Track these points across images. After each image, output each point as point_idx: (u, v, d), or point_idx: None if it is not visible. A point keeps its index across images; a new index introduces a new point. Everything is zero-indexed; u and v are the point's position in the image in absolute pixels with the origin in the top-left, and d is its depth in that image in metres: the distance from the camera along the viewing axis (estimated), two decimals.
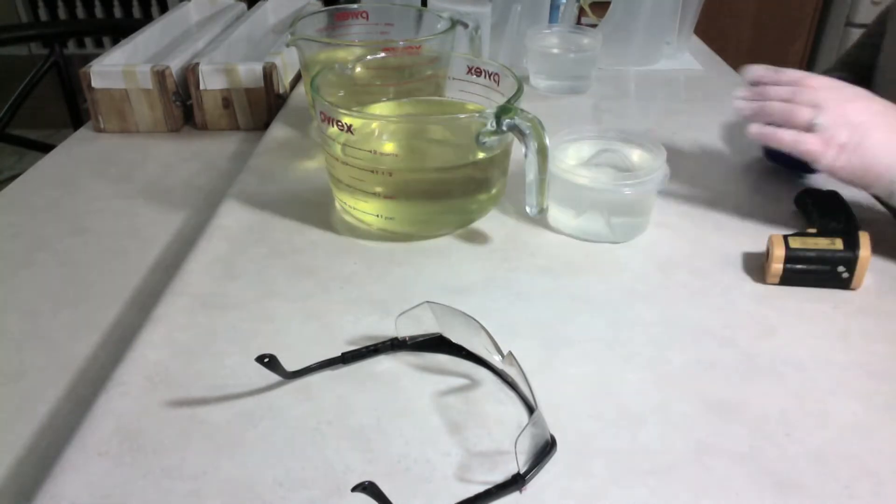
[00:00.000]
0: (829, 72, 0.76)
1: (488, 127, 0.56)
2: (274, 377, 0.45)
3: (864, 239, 0.55)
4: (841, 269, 0.55)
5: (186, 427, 0.43)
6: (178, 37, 1.07)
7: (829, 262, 0.55)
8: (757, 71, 0.54)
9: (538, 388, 0.44)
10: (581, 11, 1.14)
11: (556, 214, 0.59)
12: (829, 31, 2.22)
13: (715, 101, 0.93)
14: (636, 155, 0.64)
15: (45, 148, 1.14)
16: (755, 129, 0.54)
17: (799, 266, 0.55)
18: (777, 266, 0.55)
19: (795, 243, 0.55)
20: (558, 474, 0.40)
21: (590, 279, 0.57)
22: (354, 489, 0.34)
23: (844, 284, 0.56)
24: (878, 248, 0.55)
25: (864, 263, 0.55)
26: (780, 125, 0.55)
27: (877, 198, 0.61)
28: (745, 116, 0.55)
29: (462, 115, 0.67)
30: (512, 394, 0.46)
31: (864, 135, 0.51)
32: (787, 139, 0.53)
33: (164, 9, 2.50)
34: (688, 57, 1.12)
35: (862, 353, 0.50)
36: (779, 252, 0.55)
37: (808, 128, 0.53)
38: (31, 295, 0.59)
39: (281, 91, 0.89)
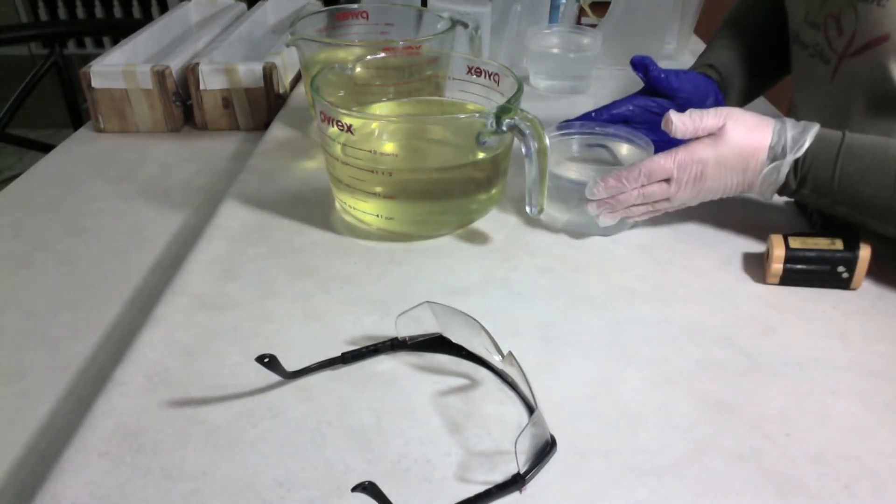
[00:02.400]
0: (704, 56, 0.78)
1: (488, 127, 0.56)
2: (274, 377, 0.45)
3: (864, 239, 0.55)
4: (841, 269, 0.55)
5: (186, 427, 0.43)
6: (178, 37, 1.07)
7: (829, 262, 0.55)
8: (601, 191, 0.58)
9: (538, 388, 0.44)
10: (581, 11, 1.14)
11: (548, 209, 0.59)
12: None
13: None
14: (624, 149, 0.65)
15: (45, 148, 1.14)
16: (631, 221, 0.61)
17: (799, 266, 0.55)
18: (777, 266, 0.55)
19: (795, 243, 0.55)
20: (558, 474, 0.40)
21: (590, 279, 0.57)
22: (354, 489, 0.34)
23: (844, 284, 0.56)
24: (878, 248, 0.55)
25: (864, 263, 0.55)
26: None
27: None
28: (612, 223, 0.60)
29: (462, 115, 0.67)
30: (512, 394, 0.46)
31: (710, 194, 0.58)
32: (650, 216, 0.61)
33: (164, 9, 2.50)
34: (688, 57, 1.12)
35: (862, 353, 0.50)
36: (779, 252, 0.55)
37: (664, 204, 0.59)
38: (31, 295, 0.59)
39: (281, 91, 0.89)
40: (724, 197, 0.58)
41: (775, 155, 0.55)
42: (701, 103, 0.70)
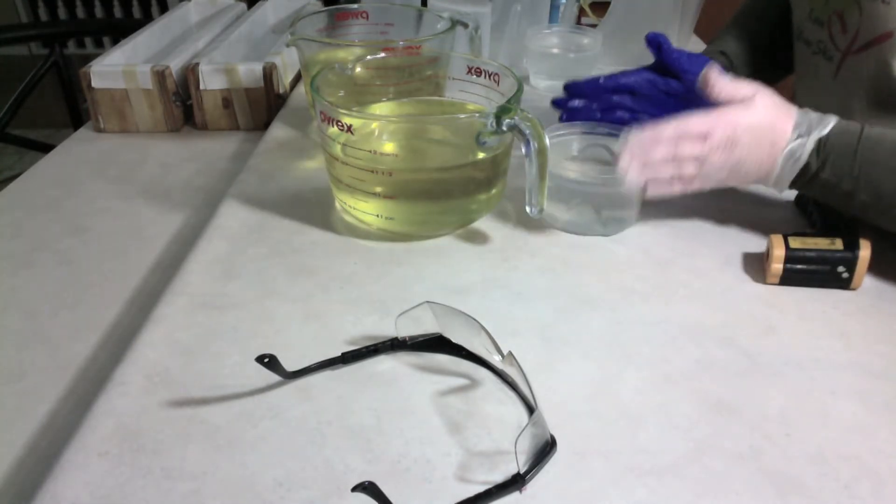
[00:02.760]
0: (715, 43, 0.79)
1: (488, 127, 0.56)
2: (274, 377, 0.45)
3: (864, 239, 0.55)
4: (841, 269, 0.55)
5: (186, 427, 0.43)
6: (178, 37, 1.07)
7: (829, 262, 0.55)
8: (636, 140, 0.56)
9: (538, 388, 0.44)
10: (581, 11, 1.14)
11: (548, 209, 0.59)
12: None
13: None
14: None
15: (45, 148, 1.14)
16: (652, 190, 0.58)
17: (799, 266, 0.55)
18: (777, 266, 0.55)
19: (795, 243, 0.55)
20: (558, 474, 0.40)
21: (590, 279, 0.57)
22: (354, 489, 0.34)
23: (844, 284, 0.56)
24: (878, 249, 0.55)
25: (864, 263, 0.55)
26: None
27: None
28: (638, 185, 0.58)
29: (462, 115, 0.67)
30: (512, 394, 0.46)
31: (739, 170, 0.56)
32: (678, 191, 0.58)
33: (164, 9, 2.50)
34: None
35: (862, 353, 0.50)
36: (779, 252, 0.55)
37: (691, 176, 0.57)
38: (31, 295, 0.59)
39: (281, 91, 0.89)
40: (746, 182, 0.58)
41: (800, 132, 0.55)
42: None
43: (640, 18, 1.03)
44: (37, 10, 2.60)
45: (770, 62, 0.77)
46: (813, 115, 0.56)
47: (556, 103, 0.75)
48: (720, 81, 0.57)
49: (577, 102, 0.73)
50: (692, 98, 0.60)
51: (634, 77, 0.70)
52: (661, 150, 0.56)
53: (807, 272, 0.56)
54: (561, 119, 0.74)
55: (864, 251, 0.55)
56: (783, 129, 0.55)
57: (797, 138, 0.55)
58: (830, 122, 0.55)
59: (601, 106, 0.72)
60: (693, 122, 0.55)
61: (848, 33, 0.60)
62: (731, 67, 0.73)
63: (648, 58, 0.71)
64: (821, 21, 0.63)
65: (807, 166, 0.55)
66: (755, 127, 0.55)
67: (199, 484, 0.39)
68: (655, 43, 0.69)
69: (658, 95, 0.69)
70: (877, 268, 0.57)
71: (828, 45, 0.62)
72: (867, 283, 0.56)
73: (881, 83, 0.58)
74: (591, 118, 0.72)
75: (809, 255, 0.55)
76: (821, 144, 0.54)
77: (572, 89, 0.72)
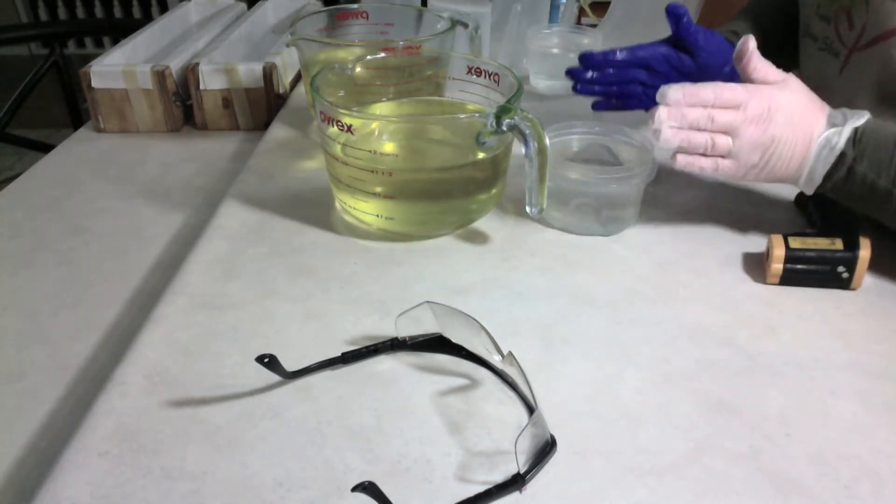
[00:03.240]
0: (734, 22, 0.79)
1: (488, 127, 0.56)
2: (274, 377, 0.45)
3: (864, 239, 0.55)
4: (841, 269, 0.55)
5: (186, 427, 0.43)
6: (178, 37, 1.07)
7: (829, 262, 0.55)
8: (676, 94, 0.54)
9: (538, 388, 0.44)
10: (581, 11, 1.15)
11: (548, 209, 0.60)
12: None
13: None
14: (623, 149, 0.65)
15: (45, 148, 1.14)
16: (682, 159, 0.56)
17: (799, 266, 0.55)
18: (777, 266, 0.55)
19: (795, 243, 0.55)
20: (558, 474, 0.40)
21: (590, 279, 0.57)
22: (354, 489, 0.34)
23: (844, 284, 0.56)
24: (879, 249, 0.55)
25: (864, 263, 0.55)
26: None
27: None
28: (670, 145, 0.56)
29: (462, 115, 0.67)
30: (512, 394, 0.46)
31: (773, 152, 0.54)
32: (708, 167, 0.56)
33: (164, 9, 2.50)
34: None
35: (862, 353, 0.50)
36: (779, 252, 0.55)
37: (726, 155, 0.56)
38: (31, 295, 0.59)
39: (281, 91, 0.89)
40: (776, 176, 0.55)
41: (835, 122, 0.54)
42: (720, 67, 0.70)
43: (640, 18, 1.03)
44: (37, 10, 2.60)
45: (779, 54, 0.76)
46: (845, 109, 0.54)
47: (571, 73, 0.74)
48: (755, 57, 0.55)
49: (592, 73, 0.72)
50: (705, 78, 0.59)
51: (650, 51, 0.70)
52: (696, 111, 0.54)
53: (807, 272, 0.55)
54: (575, 89, 0.73)
55: (865, 251, 0.54)
56: (817, 117, 0.54)
57: (832, 127, 0.53)
58: (865, 115, 0.53)
59: (616, 78, 0.72)
60: (730, 87, 0.53)
61: (854, 29, 0.59)
62: None
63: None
64: (827, 17, 0.62)
65: (842, 157, 0.53)
66: (790, 109, 0.53)
67: (199, 484, 0.39)
68: (675, 15, 0.68)
69: (671, 73, 0.69)
70: (877, 268, 0.57)
71: (834, 42, 0.62)
72: (867, 283, 0.56)
73: (887, 80, 0.57)
74: (607, 91, 0.71)
75: (809, 256, 0.55)
76: (857, 134, 0.53)
77: (588, 60, 0.71)
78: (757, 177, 0.56)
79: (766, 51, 0.75)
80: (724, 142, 0.54)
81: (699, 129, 0.54)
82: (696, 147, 0.55)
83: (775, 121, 0.53)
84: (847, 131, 0.53)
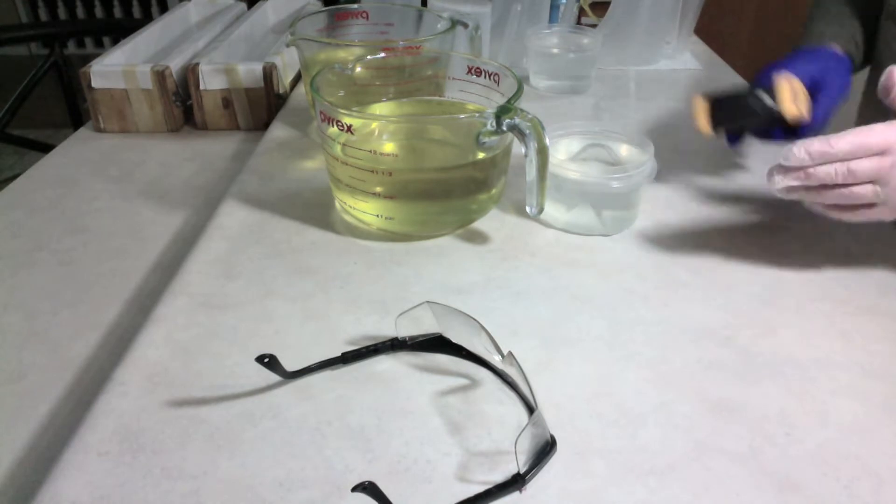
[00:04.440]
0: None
1: (488, 127, 0.56)
2: (274, 377, 0.45)
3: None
4: (760, 93, 0.57)
5: (186, 427, 0.43)
6: (178, 37, 1.07)
7: (748, 93, 0.58)
8: (801, 155, 0.47)
9: (538, 388, 0.44)
10: (581, 11, 1.14)
11: (548, 209, 0.60)
12: None
13: None
14: (624, 149, 0.66)
15: (45, 148, 1.14)
16: (817, 210, 0.51)
17: (722, 98, 0.60)
18: (701, 103, 0.60)
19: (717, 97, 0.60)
20: (558, 474, 0.40)
21: (590, 279, 0.57)
22: (354, 489, 0.34)
23: (773, 113, 0.56)
24: (878, 249, 0.55)
25: (785, 88, 0.55)
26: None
27: None
28: (793, 195, 0.50)
29: (462, 115, 0.67)
30: (512, 394, 0.46)
31: None
32: (852, 219, 0.51)
33: (164, 9, 2.51)
34: (688, 57, 1.12)
35: (862, 353, 0.50)
36: (702, 103, 0.61)
37: (873, 203, 0.50)
38: (31, 295, 0.59)
39: (281, 91, 0.89)
40: None
41: None
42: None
43: (640, 18, 1.03)
44: (37, 10, 2.60)
45: (862, 49, 0.72)
46: None
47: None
48: None
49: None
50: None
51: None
52: (826, 169, 0.47)
53: (731, 106, 0.58)
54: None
55: (780, 78, 0.56)
56: None
57: None
58: None
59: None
60: (873, 131, 0.47)
61: None
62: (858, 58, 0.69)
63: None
64: None
65: None
66: None
67: (199, 484, 0.39)
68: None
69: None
70: (877, 268, 0.57)
71: None
72: (868, 283, 0.56)
73: None
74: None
75: (729, 94, 0.58)
76: None
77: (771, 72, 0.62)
78: None
79: (861, 44, 0.71)
80: (866, 192, 0.48)
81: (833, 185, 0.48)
82: (830, 201, 0.49)
83: None
84: None
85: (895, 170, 0.47)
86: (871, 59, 0.73)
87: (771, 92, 0.59)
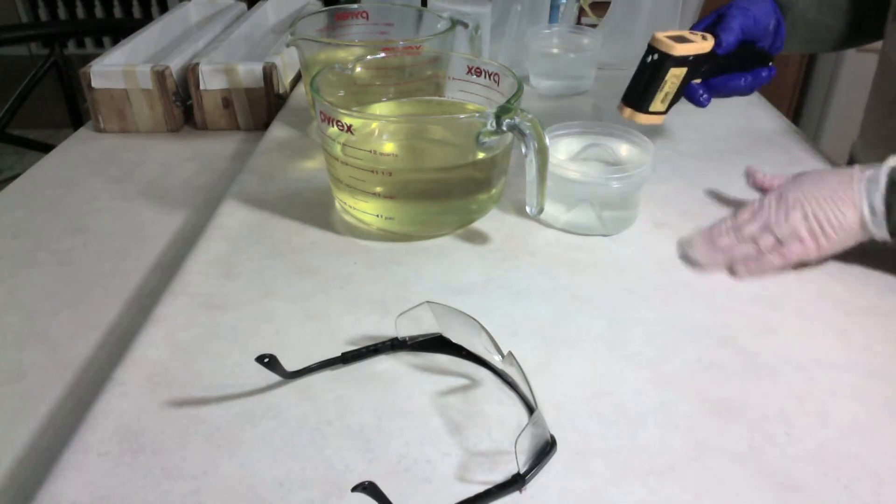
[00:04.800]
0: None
1: (488, 127, 0.56)
2: (274, 377, 0.45)
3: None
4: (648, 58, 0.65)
5: (186, 427, 0.43)
6: (178, 37, 1.07)
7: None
8: (698, 254, 0.59)
9: (538, 388, 0.44)
10: (581, 11, 1.15)
11: (548, 209, 0.60)
12: None
13: (714, 101, 0.93)
14: (623, 149, 0.66)
15: (45, 148, 1.14)
16: (748, 273, 0.58)
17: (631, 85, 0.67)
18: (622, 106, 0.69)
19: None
20: (558, 474, 0.40)
21: (590, 279, 0.57)
22: (354, 489, 0.34)
23: (663, 60, 0.65)
24: (878, 249, 0.55)
25: (659, 35, 0.65)
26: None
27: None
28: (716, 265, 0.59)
29: (462, 115, 0.67)
30: (512, 394, 0.46)
31: (813, 213, 0.55)
32: (778, 264, 0.57)
33: (164, 9, 2.51)
34: None
35: (862, 353, 0.50)
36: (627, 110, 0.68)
37: (778, 247, 0.57)
38: (31, 295, 0.59)
39: (281, 91, 0.89)
40: (843, 225, 0.54)
41: (869, 168, 0.55)
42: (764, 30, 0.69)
43: (640, 18, 1.03)
44: (37, 10, 2.60)
45: (858, 31, 0.74)
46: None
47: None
48: (759, 173, 0.63)
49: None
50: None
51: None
52: (724, 239, 0.59)
53: (636, 80, 0.66)
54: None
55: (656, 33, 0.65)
56: (845, 171, 0.56)
57: (868, 171, 0.54)
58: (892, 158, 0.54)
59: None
60: (740, 212, 0.59)
61: None
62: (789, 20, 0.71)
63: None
64: None
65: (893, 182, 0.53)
66: (808, 176, 0.57)
67: (199, 484, 0.39)
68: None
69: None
70: (877, 268, 0.57)
71: None
72: (868, 283, 0.56)
73: None
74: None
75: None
76: None
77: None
78: (828, 243, 0.55)
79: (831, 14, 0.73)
80: (766, 240, 0.57)
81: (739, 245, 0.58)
82: (746, 258, 0.57)
83: (790, 194, 0.56)
84: (888, 165, 0.54)
85: (771, 213, 0.57)
86: (871, 36, 0.75)
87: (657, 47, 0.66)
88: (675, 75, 0.65)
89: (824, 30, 0.74)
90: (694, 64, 0.65)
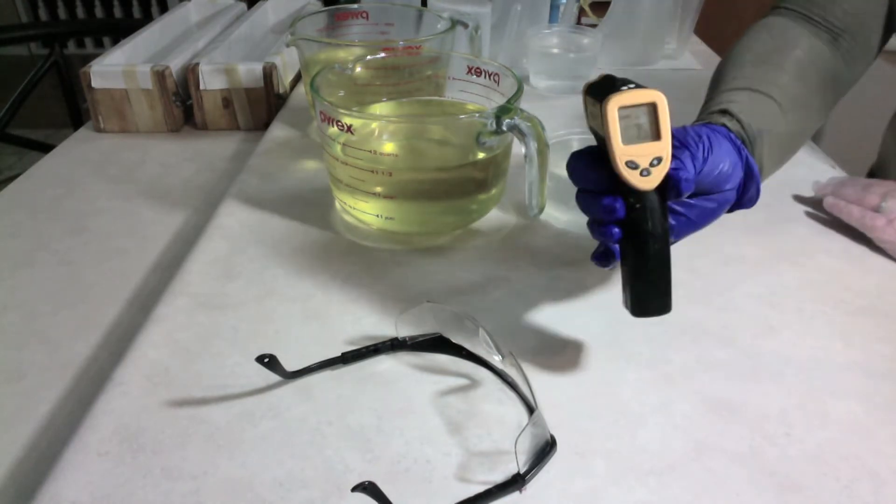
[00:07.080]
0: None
1: (488, 127, 0.56)
2: (274, 377, 0.45)
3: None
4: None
5: (186, 427, 0.43)
6: (178, 37, 1.07)
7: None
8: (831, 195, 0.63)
9: (538, 388, 0.44)
10: (581, 11, 1.15)
11: (548, 209, 0.60)
12: None
13: None
14: None
15: (45, 148, 1.15)
16: (830, 200, 0.63)
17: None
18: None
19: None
20: (558, 474, 0.40)
21: (590, 279, 0.57)
22: (354, 489, 0.34)
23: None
24: (878, 249, 0.55)
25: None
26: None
27: None
28: (822, 194, 0.64)
29: (462, 115, 0.67)
30: (512, 394, 0.46)
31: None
32: (856, 215, 0.61)
33: (164, 9, 2.51)
34: (688, 57, 1.12)
35: (862, 353, 0.50)
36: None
37: (876, 209, 0.60)
38: (31, 295, 0.59)
39: (281, 91, 0.89)
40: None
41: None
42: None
43: (640, 18, 1.03)
44: (37, 10, 2.60)
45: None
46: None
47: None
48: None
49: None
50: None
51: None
52: (849, 190, 0.62)
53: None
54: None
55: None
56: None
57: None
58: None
59: None
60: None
61: None
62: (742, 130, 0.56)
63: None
64: None
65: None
66: None
67: (199, 484, 0.39)
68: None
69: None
70: (877, 268, 0.57)
71: None
72: (868, 284, 0.56)
73: None
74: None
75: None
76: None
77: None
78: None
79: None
80: (874, 197, 0.61)
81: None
82: (847, 197, 0.63)
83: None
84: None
85: None
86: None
87: None
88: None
89: (799, 135, 0.61)
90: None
